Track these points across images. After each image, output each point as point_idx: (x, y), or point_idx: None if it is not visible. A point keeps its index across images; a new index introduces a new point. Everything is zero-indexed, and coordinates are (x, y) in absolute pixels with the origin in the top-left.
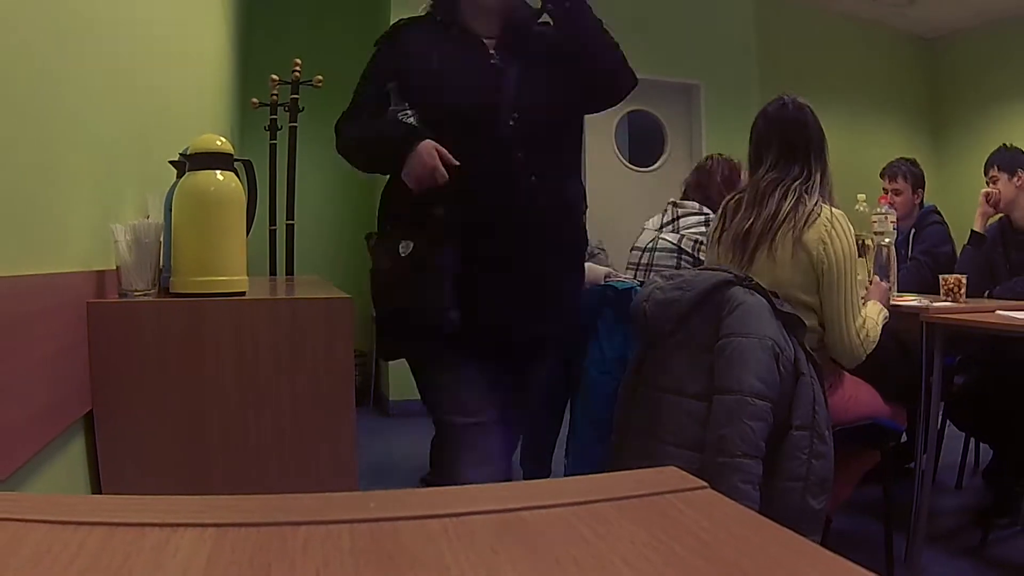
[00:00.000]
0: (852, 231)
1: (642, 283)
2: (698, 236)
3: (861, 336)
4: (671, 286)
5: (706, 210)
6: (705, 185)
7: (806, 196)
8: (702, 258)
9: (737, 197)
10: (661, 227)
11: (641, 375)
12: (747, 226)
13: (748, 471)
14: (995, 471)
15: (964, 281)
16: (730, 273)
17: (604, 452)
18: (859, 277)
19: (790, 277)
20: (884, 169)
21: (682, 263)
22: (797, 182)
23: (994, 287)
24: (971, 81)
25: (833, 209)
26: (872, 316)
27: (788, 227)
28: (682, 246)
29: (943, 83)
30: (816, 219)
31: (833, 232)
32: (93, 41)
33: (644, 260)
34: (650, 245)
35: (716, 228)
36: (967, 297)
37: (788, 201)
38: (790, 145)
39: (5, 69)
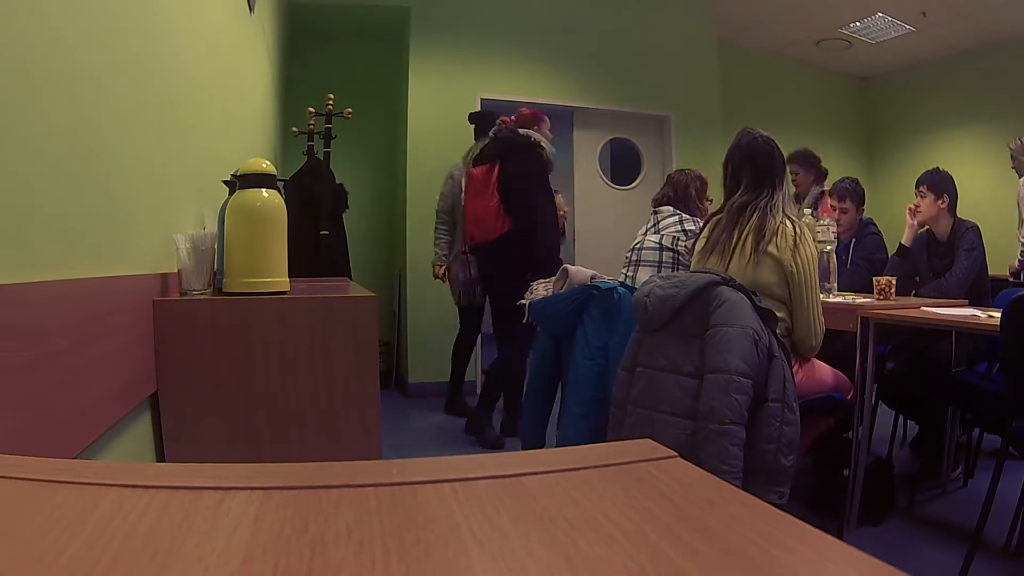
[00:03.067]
0: (814, 240)
1: (622, 282)
2: (674, 232)
3: (821, 326)
4: (669, 284)
5: (678, 211)
6: (683, 198)
7: (770, 213)
8: (678, 247)
9: (717, 217)
10: (646, 232)
11: (639, 357)
12: (723, 237)
13: (734, 435)
14: (920, 443)
15: (894, 283)
16: (717, 275)
17: (589, 426)
18: None
19: (766, 278)
20: (833, 189)
21: (663, 254)
22: (763, 201)
23: (918, 288)
24: (898, 114)
25: (798, 223)
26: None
27: (758, 238)
28: (663, 243)
29: (876, 116)
30: (784, 231)
31: (799, 243)
32: (159, 92)
33: (634, 258)
34: (638, 245)
35: (701, 240)
36: (896, 296)
37: (756, 218)
38: (760, 172)
39: (93, 124)
